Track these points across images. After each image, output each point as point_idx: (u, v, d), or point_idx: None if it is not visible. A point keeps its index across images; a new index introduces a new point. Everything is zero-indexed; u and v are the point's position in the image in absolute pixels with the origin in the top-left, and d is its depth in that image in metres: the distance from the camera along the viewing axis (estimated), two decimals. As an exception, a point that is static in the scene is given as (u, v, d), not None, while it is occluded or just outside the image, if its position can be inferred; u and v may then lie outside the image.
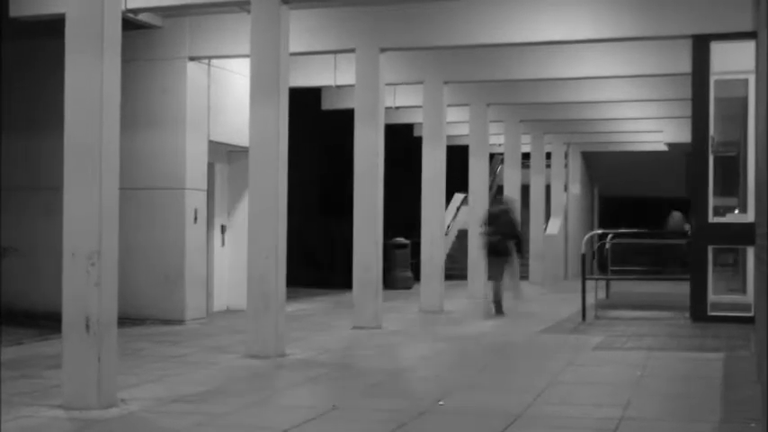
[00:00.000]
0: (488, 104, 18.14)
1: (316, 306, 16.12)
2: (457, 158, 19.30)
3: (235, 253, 14.81)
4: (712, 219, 12.75)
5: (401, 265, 20.57)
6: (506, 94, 18.16)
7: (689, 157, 15.25)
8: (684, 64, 13.35)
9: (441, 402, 7.35)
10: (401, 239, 20.58)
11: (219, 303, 14.89)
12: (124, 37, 7.40)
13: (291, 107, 10.21)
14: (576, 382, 8.49)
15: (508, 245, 14.39)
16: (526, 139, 22.21)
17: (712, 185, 12.71)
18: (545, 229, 23.82)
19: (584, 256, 14.61)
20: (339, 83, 15.57)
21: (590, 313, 13.66)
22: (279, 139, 9.85)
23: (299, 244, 16.57)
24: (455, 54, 15.29)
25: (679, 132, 21.78)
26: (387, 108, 13.83)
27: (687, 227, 18.36)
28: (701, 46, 12.66)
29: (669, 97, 17.57)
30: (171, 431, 6.46)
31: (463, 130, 19.44)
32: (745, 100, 12.81)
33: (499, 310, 14.32)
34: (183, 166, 13.16)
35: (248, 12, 10.30)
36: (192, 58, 13.27)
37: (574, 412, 7.08)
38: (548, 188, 23.99)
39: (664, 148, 25.39)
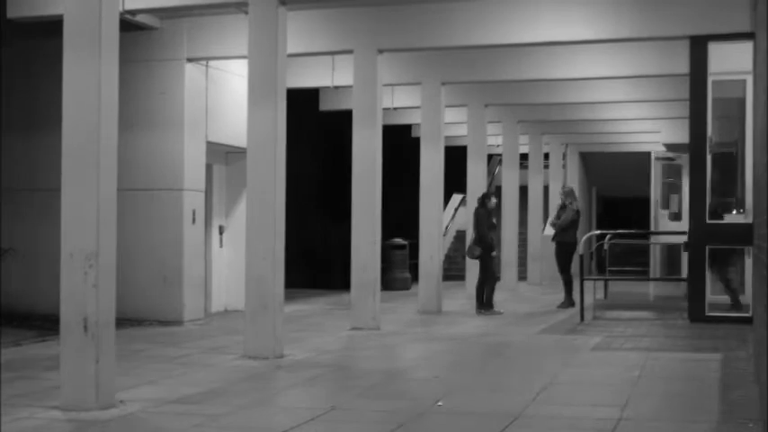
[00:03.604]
0: (486, 105, 18.15)
1: (314, 307, 16.12)
2: (455, 159, 19.32)
3: (233, 254, 14.81)
4: (710, 219, 12.76)
5: (399, 266, 20.56)
6: (504, 94, 18.17)
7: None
8: (682, 65, 13.37)
9: (439, 403, 7.36)
10: (399, 240, 20.58)
11: (218, 304, 14.89)
12: (122, 38, 7.41)
13: (289, 108, 10.22)
14: (575, 383, 8.50)
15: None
16: (524, 139, 22.21)
17: (710, 186, 12.73)
18: (543, 229, 23.81)
19: (582, 256, 14.63)
20: (337, 84, 15.58)
21: (588, 314, 13.67)
22: (277, 140, 9.86)
23: (297, 245, 16.57)
24: (453, 55, 15.29)
25: (677, 133, 21.79)
26: (385, 109, 13.82)
27: None
28: (698, 46, 12.66)
29: (667, 98, 17.58)
30: (169, 432, 6.47)
31: (461, 130, 19.44)
32: (742, 101, 12.82)
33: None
34: (180, 167, 13.16)
35: (246, 13, 10.30)
36: (189, 60, 13.27)
37: (572, 413, 7.08)
38: (546, 189, 24.00)
39: (662, 148, 25.40)
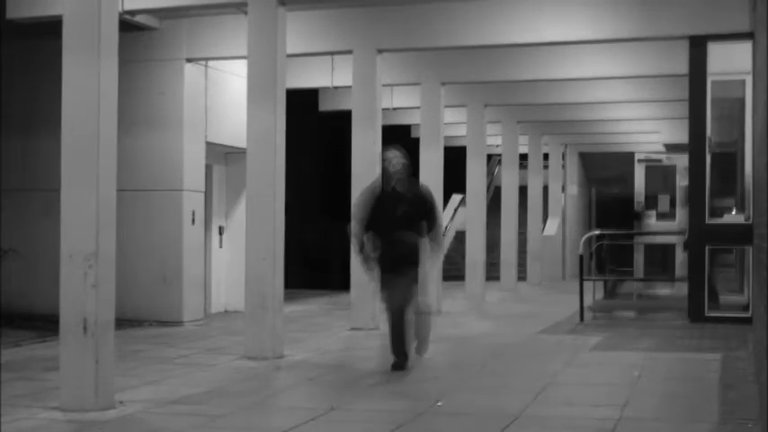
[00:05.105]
0: (486, 105, 18.14)
1: (313, 307, 16.11)
2: (454, 159, 19.30)
3: (232, 254, 14.81)
4: (709, 219, 12.77)
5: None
6: (504, 95, 18.17)
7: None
8: (682, 65, 13.37)
9: (439, 403, 7.36)
10: (399, 241, 20.52)
11: (217, 305, 14.89)
12: (121, 39, 7.41)
13: (288, 108, 10.22)
14: (574, 383, 8.50)
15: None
16: (524, 140, 22.22)
17: (709, 186, 12.73)
18: (543, 230, 23.84)
19: (581, 256, 14.62)
20: (336, 84, 15.57)
21: (588, 314, 13.67)
22: (276, 140, 9.86)
23: (296, 245, 16.57)
24: (452, 55, 15.28)
25: (676, 133, 21.80)
26: (384, 109, 13.81)
27: None
28: (698, 47, 12.67)
29: (666, 98, 17.58)
30: (169, 433, 6.47)
31: (461, 131, 19.43)
32: (742, 101, 12.83)
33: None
34: (180, 168, 13.16)
35: (245, 13, 10.30)
36: (189, 60, 13.27)
37: (572, 413, 7.08)
38: (545, 189, 24.01)
39: (661, 148, 25.40)
